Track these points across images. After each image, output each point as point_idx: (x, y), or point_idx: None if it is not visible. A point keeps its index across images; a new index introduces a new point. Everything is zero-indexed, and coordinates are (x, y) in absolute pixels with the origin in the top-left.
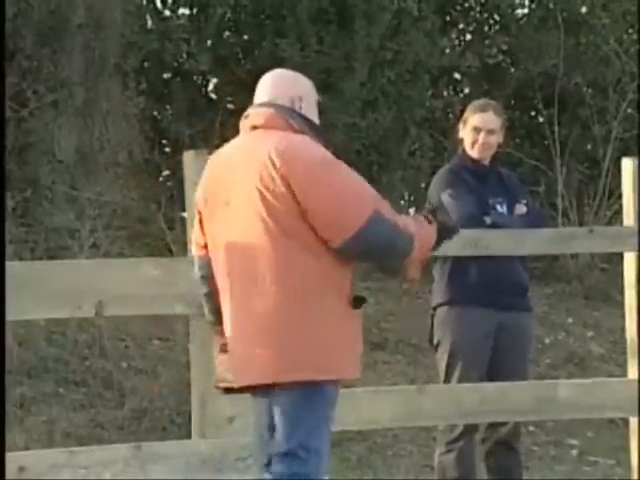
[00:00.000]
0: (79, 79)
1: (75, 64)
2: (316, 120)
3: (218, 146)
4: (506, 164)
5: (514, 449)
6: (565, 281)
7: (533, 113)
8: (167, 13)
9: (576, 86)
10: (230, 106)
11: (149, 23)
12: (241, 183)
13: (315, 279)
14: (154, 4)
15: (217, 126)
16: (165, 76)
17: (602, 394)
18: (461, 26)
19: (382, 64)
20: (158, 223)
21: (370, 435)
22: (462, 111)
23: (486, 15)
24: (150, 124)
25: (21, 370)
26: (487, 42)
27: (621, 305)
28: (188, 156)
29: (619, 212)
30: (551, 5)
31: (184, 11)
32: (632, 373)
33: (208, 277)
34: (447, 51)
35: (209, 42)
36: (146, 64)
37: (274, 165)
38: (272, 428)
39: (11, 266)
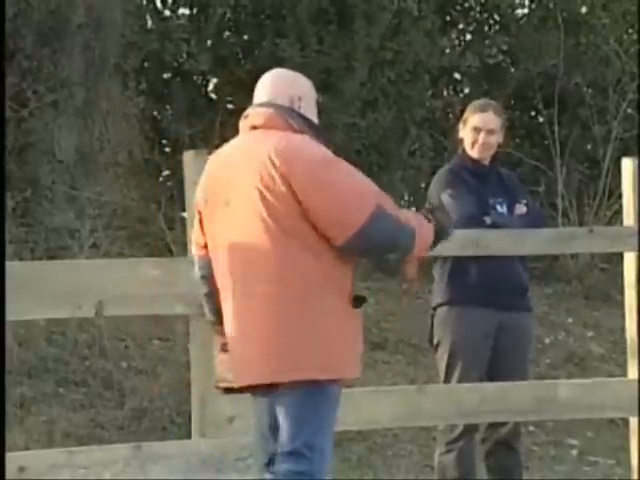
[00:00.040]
0: (79, 79)
1: (75, 64)
2: (315, 120)
3: (218, 146)
4: (506, 164)
5: (514, 449)
6: (565, 281)
7: (533, 113)
8: (167, 13)
9: (576, 86)
10: (230, 106)
11: (149, 23)
12: (241, 183)
13: (315, 278)
14: (154, 4)
15: (217, 126)
16: (165, 76)
17: (602, 394)
18: (461, 26)
19: (382, 64)
20: (158, 223)
21: (370, 435)
22: (462, 111)
23: (486, 15)
24: (150, 124)
25: (21, 370)
26: (487, 42)
27: (621, 305)
28: (188, 156)
29: (619, 212)
30: (551, 5)
31: (184, 11)
32: (632, 373)
33: (208, 277)
34: (447, 51)
35: (209, 42)
36: (146, 64)
37: (274, 165)
38: (273, 428)
39: (11, 266)
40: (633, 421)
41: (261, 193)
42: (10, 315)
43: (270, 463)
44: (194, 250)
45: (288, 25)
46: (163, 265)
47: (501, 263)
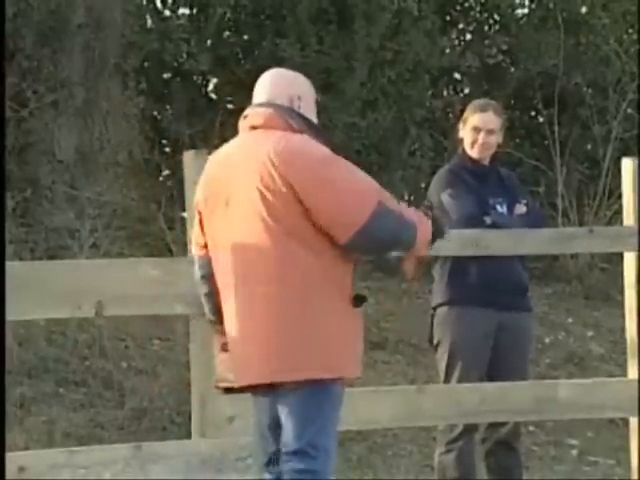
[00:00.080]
0: (79, 79)
1: (75, 64)
2: (315, 119)
3: (218, 146)
4: (506, 164)
5: (514, 449)
6: (565, 281)
7: (533, 113)
8: (167, 13)
9: (576, 86)
10: (230, 106)
11: (149, 23)
12: (241, 183)
13: (316, 277)
14: (154, 4)
15: (217, 126)
16: (165, 76)
17: (602, 394)
18: (461, 26)
19: (382, 64)
20: (158, 223)
21: (370, 435)
22: (462, 111)
23: (486, 15)
24: (150, 124)
25: (21, 370)
26: (487, 42)
27: (621, 305)
28: (188, 156)
29: (619, 212)
30: (551, 5)
31: (184, 11)
32: (632, 373)
33: (208, 277)
34: (447, 51)
35: (209, 42)
36: (146, 64)
37: (274, 165)
38: (273, 427)
39: (11, 266)
40: (633, 421)
41: (261, 193)
42: (10, 315)
43: (270, 463)
44: (194, 250)
45: (288, 25)
46: (163, 265)
47: (501, 263)
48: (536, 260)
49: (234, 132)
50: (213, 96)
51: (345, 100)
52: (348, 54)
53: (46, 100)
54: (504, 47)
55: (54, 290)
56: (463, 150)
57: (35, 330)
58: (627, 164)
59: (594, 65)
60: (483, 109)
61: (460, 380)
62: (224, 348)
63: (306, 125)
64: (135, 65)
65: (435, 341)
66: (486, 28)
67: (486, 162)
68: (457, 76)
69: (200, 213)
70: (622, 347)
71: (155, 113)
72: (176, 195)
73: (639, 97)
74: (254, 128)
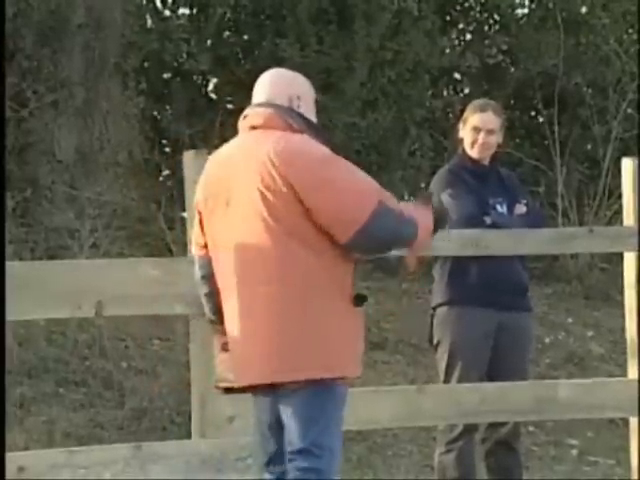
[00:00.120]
0: (79, 79)
1: (75, 64)
2: (314, 119)
3: (218, 146)
4: (506, 164)
5: (514, 449)
6: (565, 281)
7: (533, 113)
8: (167, 13)
9: (576, 86)
10: (230, 106)
11: (149, 23)
12: (241, 183)
13: (316, 277)
14: (154, 4)
15: (217, 126)
16: (165, 76)
17: (602, 394)
18: (461, 26)
19: (382, 64)
20: (158, 223)
21: (370, 435)
22: (462, 111)
23: (486, 15)
24: (150, 124)
25: (21, 370)
26: (487, 42)
27: (621, 305)
28: (188, 156)
29: (619, 212)
30: (551, 5)
31: (184, 11)
32: (632, 373)
33: (208, 277)
34: (447, 51)
35: (209, 42)
36: (146, 64)
37: (274, 165)
38: (273, 427)
39: (11, 266)
40: (633, 421)
41: (262, 193)
42: (10, 315)
43: (270, 463)
44: (194, 250)
45: (288, 25)
46: (163, 265)
47: (501, 263)
48: (536, 260)
49: (234, 132)
50: (213, 96)
51: (345, 100)
52: (348, 54)
53: (46, 100)
54: (504, 47)
55: (54, 290)
56: (463, 150)
57: (35, 330)
58: (627, 164)
59: (594, 65)
60: (483, 109)
61: (460, 380)
62: (224, 348)
63: (306, 125)
64: (135, 65)
65: (435, 341)
66: (486, 28)
67: (486, 162)
68: (457, 76)
69: (200, 213)
70: (622, 347)
71: (155, 113)
72: (176, 195)
73: (639, 97)
74: (254, 128)
